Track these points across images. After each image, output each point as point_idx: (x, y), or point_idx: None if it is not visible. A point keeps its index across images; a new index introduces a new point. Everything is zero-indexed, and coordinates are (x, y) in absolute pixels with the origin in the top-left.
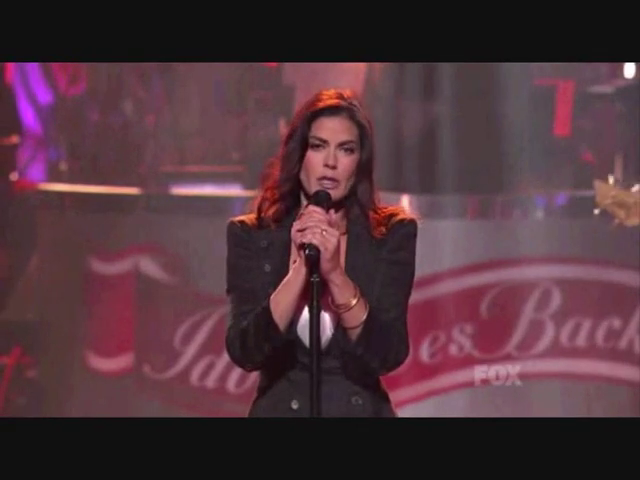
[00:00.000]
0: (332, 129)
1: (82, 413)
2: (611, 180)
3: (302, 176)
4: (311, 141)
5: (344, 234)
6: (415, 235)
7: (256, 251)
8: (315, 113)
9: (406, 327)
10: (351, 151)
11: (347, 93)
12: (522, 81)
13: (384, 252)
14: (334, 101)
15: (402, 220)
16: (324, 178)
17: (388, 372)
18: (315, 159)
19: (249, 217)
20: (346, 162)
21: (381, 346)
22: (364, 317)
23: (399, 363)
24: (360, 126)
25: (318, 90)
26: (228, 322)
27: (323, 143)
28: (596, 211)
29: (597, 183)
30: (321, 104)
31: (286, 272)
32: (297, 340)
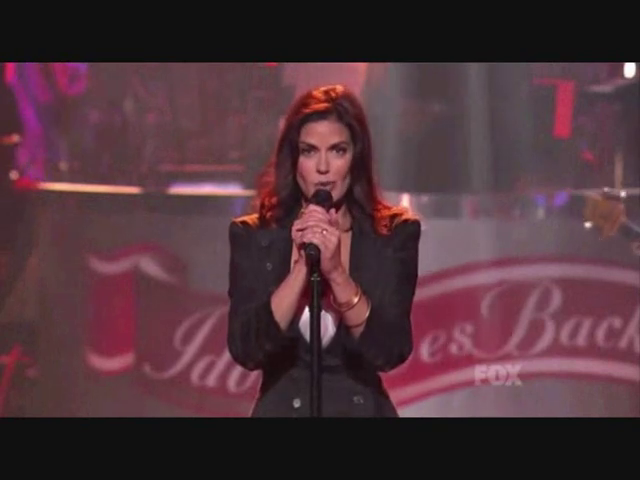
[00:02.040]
0: (321, 133)
1: (82, 413)
2: (606, 190)
3: (298, 180)
4: (301, 147)
5: (348, 231)
6: (419, 236)
7: (257, 251)
8: (303, 119)
9: (410, 324)
10: (343, 151)
11: (336, 91)
12: (522, 81)
13: (388, 251)
14: (321, 105)
15: (406, 220)
16: (319, 184)
17: (392, 369)
18: (307, 165)
19: (251, 217)
20: (339, 164)
21: (385, 343)
22: (366, 315)
23: (403, 360)
24: (350, 126)
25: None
26: (230, 321)
27: (313, 148)
28: (587, 224)
29: (588, 195)
30: (308, 110)
31: (287, 270)
32: (299, 338)
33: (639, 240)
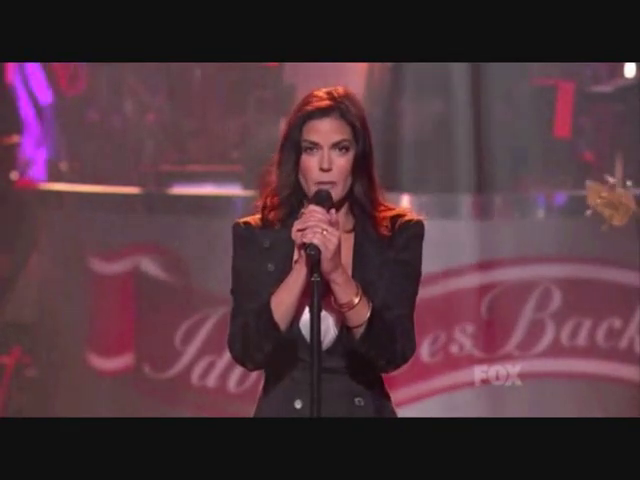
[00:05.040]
0: (323, 131)
1: (82, 413)
2: (611, 180)
3: (300, 179)
4: (304, 145)
5: (351, 232)
6: (422, 236)
7: (259, 251)
8: (305, 116)
9: (413, 324)
10: (346, 150)
11: (339, 91)
12: (521, 81)
13: (391, 251)
14: (323, 103)
15: (409, 221)
16: (321, 182)
17: (395, 369)
18: (310, 163)
19: (254, 218)
20: (341, 162)
21: (386, 343)
22: (367, 315)
23: (405, 360)
24: (352, 125)
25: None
26: (230, 321)
27: (315, 146)
28: (588, 212)
29: (589, 183)
30: (310, 107)
31: (289, 271)
32: (300, 338)
33: None
